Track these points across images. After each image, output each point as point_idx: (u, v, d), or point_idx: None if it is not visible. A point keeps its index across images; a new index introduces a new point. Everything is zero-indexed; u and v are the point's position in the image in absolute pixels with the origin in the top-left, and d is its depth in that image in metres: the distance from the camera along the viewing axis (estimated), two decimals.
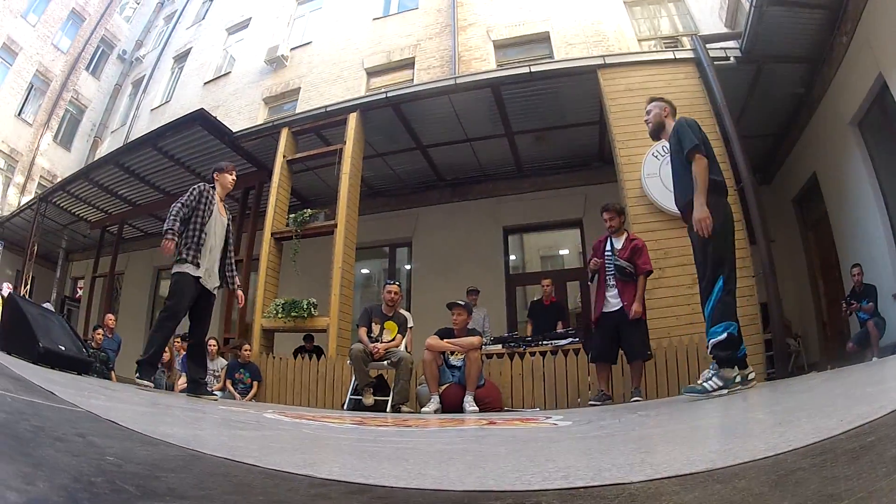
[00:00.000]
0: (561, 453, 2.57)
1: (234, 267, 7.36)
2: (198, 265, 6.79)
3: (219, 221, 7.09)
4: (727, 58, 10.85)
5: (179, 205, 6.81)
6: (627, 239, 7.84)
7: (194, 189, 7.03)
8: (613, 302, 7.63)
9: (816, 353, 13.21)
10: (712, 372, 5.00)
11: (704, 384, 4.97)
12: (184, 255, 6.75)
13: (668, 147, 5.85)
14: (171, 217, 6.71)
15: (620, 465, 1.90)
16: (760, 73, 11.32)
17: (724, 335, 4.98)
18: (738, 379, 5.02)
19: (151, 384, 6.65)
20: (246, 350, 10.59)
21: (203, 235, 6.88)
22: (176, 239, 6.71)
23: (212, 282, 7.01)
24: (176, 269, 6.79)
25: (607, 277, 7.72)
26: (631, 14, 17.42)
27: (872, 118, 10.32)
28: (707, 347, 5.15)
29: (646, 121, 6.04)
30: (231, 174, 7.35)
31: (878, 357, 9.03)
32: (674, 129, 5.66)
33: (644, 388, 7.96)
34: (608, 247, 7.81)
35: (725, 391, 4.88)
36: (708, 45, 10.81)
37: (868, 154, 10.55)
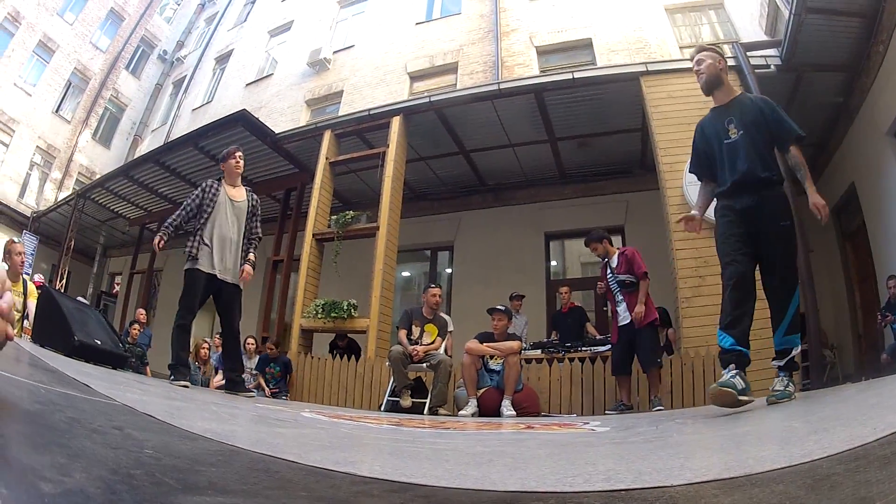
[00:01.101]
0: (600, 457, 2.56)
1: (249, 247, 7.25)
2: (206, 260, 6.83)
3: (230, 210, 7.11)
4: (767, 66, 10.81)
5: (182, 208, 7.05)
6: (620, 254, 8.14)
7: (198, 188, 7.17)
8: (623, 315, 7.91)
9: (851, 364, 13.12)
10: (787, 379, 4.70)
11: (788, 389, 4.66)
12: (191, 252, 6.82)
13: (735, 111, 4.97)
14: (169, 220, 7.01)
15: (660, 470, 1.93)
16: (800, 82, 11.26)
17: (800, 345, 4.88)
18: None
19: (188, 383, 6.63)
20: (269, 347, 10.81)
21: (209, 229, 6.93)
22: (165, 237, 7.00)
23: (230, 273, 6.99)
24: (186, 266, 6.85)
25: (615, 296, 8.01)
26: (672, 21, 17.36)
27: None
28: (785, 357, 4.72)
29: (697, 71, 5.25)
30: (234, 158, 7.33)
31: None
32: (764, 103, 4.99)
33: (669, 397, 8.11)
34: (608, 270, 8.17)
35: (796, 396, 4.75)
36: (749, 53, 10.75)
37: None
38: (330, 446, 2.74)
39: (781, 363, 4.71)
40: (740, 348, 4.52)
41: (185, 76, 26.98)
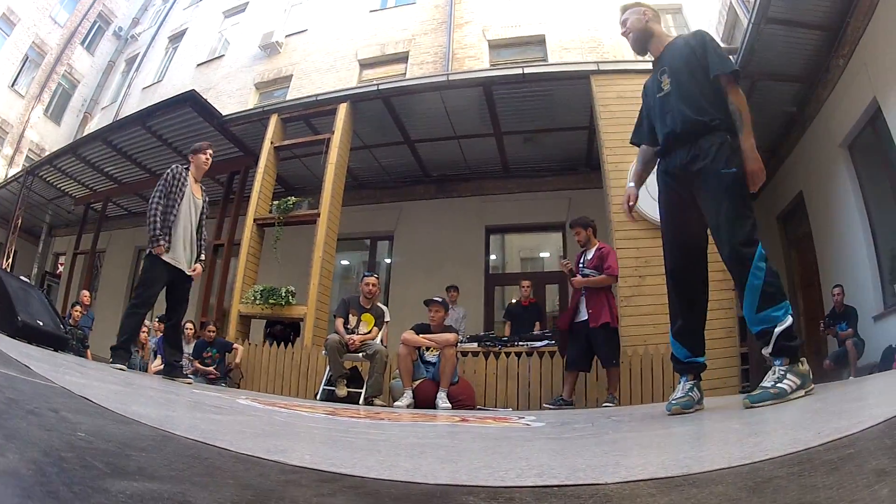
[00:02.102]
0: (534, 452, 2.55)
1: (202, 245, 7.27)
2: (169, 250, 6.78)
3: (192, 203, 7.09)
4: None
5: (156, 199, 6.82)
6: (598, 248, 8.10)
7: (167, 173, 7.02)
8: (581, 312, 7.89)
9: None
10: (783, 370, 3.71)
11: (779, 385, 3.63)
12: (160, 242, 6.75)
13: (666, 59, 4.43)
14: (153, 219, 6.75)
15: (595, 466, 1.90)
16: (754, 89, 11.35)
17: (790, 318, 3.80)
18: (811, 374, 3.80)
19: (125, 368, 6.55)
20: (210, 331, 10.58)
21: (174, 219, 6.87)
22: (165, 243, 6.76)
23: (186, 265, 6.98)
24: (149, 251, 6.80)
25: (581, 289, 7.96)
26: None
27: (864, 141, 10.43)
28: (770, 340, 3.78)
29: (623, 34, 4.72)
30: (205, 154, 7.27)
31: (854, 377, 9.10)
32: (694, 38, 4.35)
33: (618, 395, 8.05)
34: (581, 260, 8.13)
35: (802, 392, 3.67)
36: None
37: (857, 177, 10.65)
38: (262, 434, 2.76)
39: (769, 348, 3.77)
40: (694, 360, 4.16)
41: (139, 54, 26.61)
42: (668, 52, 4.45)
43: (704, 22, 16.00)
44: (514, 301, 12.10)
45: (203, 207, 7.28)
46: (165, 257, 6.73)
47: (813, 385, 3.81)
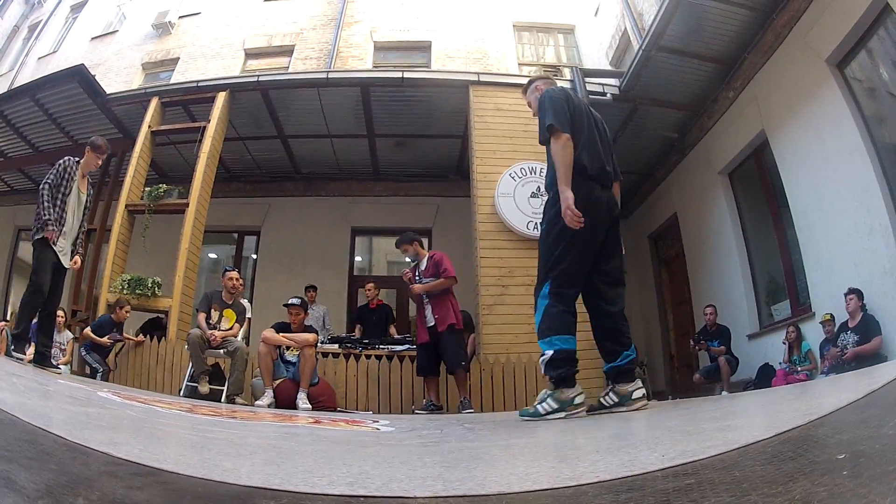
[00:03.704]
0: (362, 458, 2.53)
1: (79, 238, 7.31)
2: (61, 243, 6.90)
3: (77, 198, 7.13)
4: (604, 94, 11.24)
5: (48, 186, 6.89)
6: (429, 258, 8.28)
7: (59, 164, 7.05)
8: (429, 318, 8.02)
9: (662, 381, 13.67)
10: (547, 393, 4.41)
11: (538, 406, 4.40)
12: (53, 228, 6.80)
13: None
14: (46, 204, 6.83)
15: (413, 478, 1.88)
16: (635, 113, 11.73)
17: (550, 352, 4.36)
18: (576, 400, 4.34)
19: (24, 356, 6.82)
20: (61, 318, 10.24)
21: (62, 213, 6.94)
22: (56, 228, 6.83)
23: (66, 256, 7.06)
24: (39, 237, 6.82)
25: (422, 297, 8.09)
26: (518, 38, 17.80)
27: (746, 170, 11.05)
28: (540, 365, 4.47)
29: (534, 114, 4.93)
30: (100, 156, 7.35)
31: (727, 392, 9.51)
32: None
33: (476, 401, 8.31)
34: (416, 272, 8.30)
35: (562, 414, 4.29)
36: (587, 79, 11.13)
37: (735, 203, 11.16)
38: (105, 427, 2.75)
39: (552, 373, 4.39)
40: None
41: (41, 21, 25.40)
42: None
43: (595, 44, 16.37)
44: (362, 304, 12.13)
45: (87, 202, 7.34)
46: (55, 247, 6.82)
47: (578, 409, 4.35)
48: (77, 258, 7.24)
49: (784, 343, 9.48)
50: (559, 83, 10.48)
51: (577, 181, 4.39)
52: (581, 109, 4.76)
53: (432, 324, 7.98)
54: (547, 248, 4.54)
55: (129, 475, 1.51)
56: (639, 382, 4.53)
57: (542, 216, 4.79)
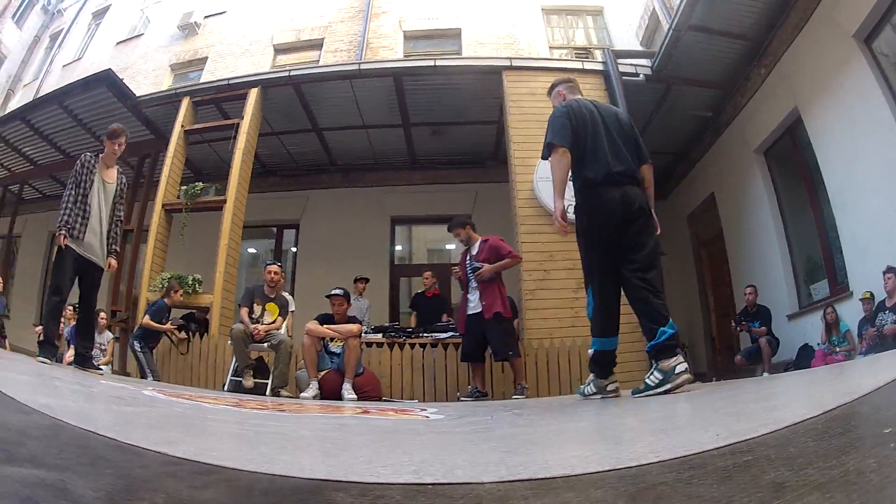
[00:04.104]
0: (420, 447, 2.54)
1: (117, 233, 7.17)
2: (77, 239, 6.72)
3: (103, 190, 6.97)
4: (637, 74, 11.09)
5: (67, 190, 6.82)
6: (483, 241, 8.14)
7: (77, 162, 6.95)
8: (473, 304, 7.92)
9: (704, 364, 13.56)
10: (590, 379, 5.02)
11: (584, 387, 5.04)
12: (62, 231, 6.65)
13: None
14: (64, 207, 6.72)
15: (476, 464, 1.89)
16: (668, 93, 11.59)
17: (591, 351, 4.97)
18: (609, 388, 4.86)
19: (46, 360, 6.46)
20: (102, 318, 10.56)
21: (85, 208, 6.78)
22: (63, 234, 6.66)
23: (96, 254, 6.91)
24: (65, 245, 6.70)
25: (469, 283, 8.03)
26: (547, 21, 17.65)
27: (780, 148, 10.83)
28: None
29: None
30: (116, 143, 7.09)
31: (768, 373, 9.39)
32: None
33: (513, 387, 8.09)
34: (468, 256, 8.19)
35: (598, 396, 4.88)
36: (619, 60, 11.01)
37: (772, 182, 10.99)
38: (155, 426, 2.75)
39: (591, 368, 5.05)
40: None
41: (63, 29, 25.62)
42: None
43: (624, 25, 16.22)
44: (418, 292, 12.10)
45: (117, 190, 7.17)
46: (73, 246, 6.68)
47: (611, 394, 4.90)
48: (112, 261, 7.14)
49: (822, 321, 9.36)
50: (588, 66, 10.46)
51: (582, 190, 4.91)
52: (585, 118, 4.97)
53: (478, 310, 7.87)
54: (580, 251, 5.06)
55: (190, 474, 1.49)
56: (680, 357, 4.56)
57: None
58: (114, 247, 7.10)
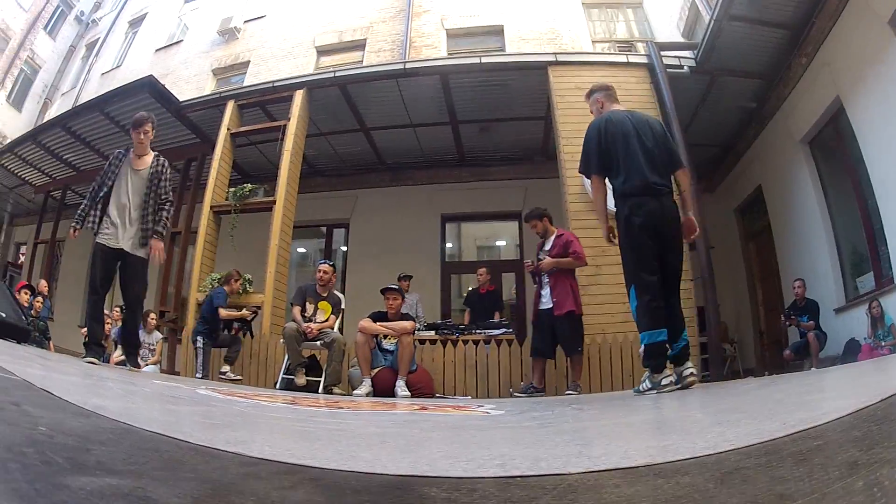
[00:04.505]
0: (494, 441, 2.52)
1: (161, 215, 6.93)
2: (106, 233, 6.64)
3: (132, 179, 6.80)
4: (681, 66, 11.03)
5: (93, 185, 6.85)
6: (557, 236, 8.07)
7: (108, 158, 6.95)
8: (545, 300, 7.87)
9: (752, 359, 13.44)
10: (645, 375, 5.16)
11: (641, 385, 5.17)
12: (93, 227, 6.64)
13: None
14: (85, 201, 6.81)
15: (557, 456, 1.89)
16: (713, 85, 11.48)
17: (642, 346, 5.14)
18: (663, 381, 4.97)
19: (93, 360, 6.34)
20: (152, 319, 10.76)
21: (109, 201, 6.73)
22: (78, 226, 6.75)
23: (130, 244, 6.71)
24: (95, 240, 6.69)
25: (542, 277, 7.96)
26: (588, 15, 17.55)
27: (824, 138, 10.64)
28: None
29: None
30: (137, 132, 6.92)
31: (816, 368, 9.20)
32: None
33: (566, 383, 8.18)
34: (542, 250, 8.12)
35: (654, 392, 4.95)
36: (662, 53, 10.91)
37: (817, 173, 10.83)
38: (221, 425, 2.71)
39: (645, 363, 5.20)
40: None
41: (99, 39, 26.02)
42: None
43: (665, 17, 16.09)
44: (472, 289, 12.10)
45: (150, 174, 6.91)
46: (99, 238, 6.62)
47: (665, 388, 4.97)
48: (156, 243, 6.79)
49: (867, 315, 9.23)
50: (632, 59, 10.42)
51: (621, 198, 5.23)
52: (617, 134, 5.31)
53: (549, 306, 7.82)
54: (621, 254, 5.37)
55: (273, 475, 1.47)
56: (689, 364, 5.13)
57: None
58: (156, 228, 6.84)
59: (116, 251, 6.62)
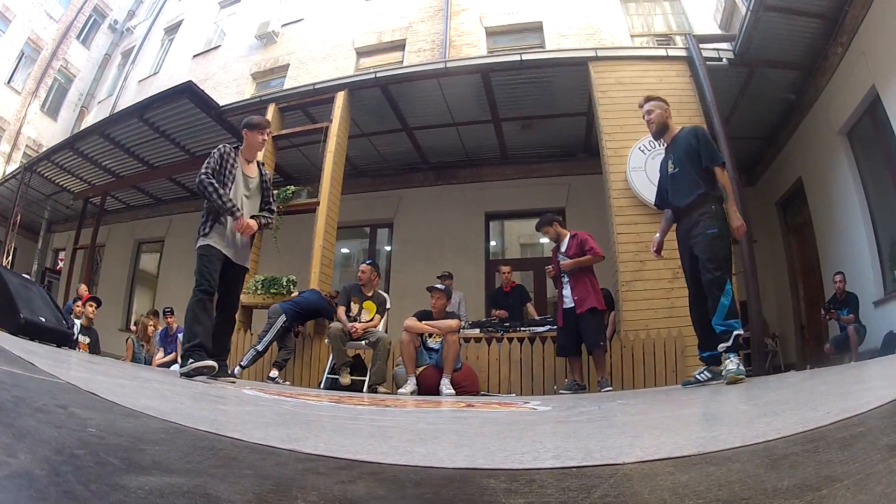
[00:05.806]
0: (547, 435, 2.61)
1: (267, 224, 6.45)
2: (222, 237, 6.01)
3: (244, 187, 6.22)
4: (720, 59, 10.97)
5: (205, 177, 5.90)
6: (571, 237, 8.12)
7: (214, 152, 6.12)
8: (567, 299, 7.91)
9: (793, 353, 13.34)
10: (702, 368, 5.65)
11: (741, 368, 5.26)
12: (205, 230, 5.96)
13: (673, 147, 5.99)
14: (214, 196, 5.88)
15: (610, 448, 1.93)
16: (752, 77, 11.39)
17: (740, 331, 5.36)
18: (724, 372, 5.33)
19: (209, 366, 5.64)
20: (169, 319, 11.10)
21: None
22: (239, 211, 6.00)
23: (239, 254, 6.22)
24: (200, 242, 5.96)
25: (562, 278, 8.01)
26: (625, 10, 17.45)
27: (862, 129, 10.46)
28: (729, 340, 5.31)
29: (648, 120, 6.12)
30: (262, 134, 6.38)
31: (856, 361, 9.10)
32: (692, 134, 5.85)
33: (617, 379, 8.18)
34: (558, 253, 8.19)
35: (744, 373, 5.20)
36: (701, 45, 10.86)
37: (856, 164, 10.69)
38: (273, 423, 2.74)
39: (729, 343, 5.26)
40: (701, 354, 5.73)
41: (134, 47, 26.33)
42: (673, 142, 5.99)
43: (702, 9, 15.99)
44: (496, 288, 12.11)
45: (261, 182, 6.44)
46: (218, 245, 5.95)
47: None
48: (250, 222, 6.08)
49: None
50: (672, 53, 10.47)
51: (718, 204, 5.67)
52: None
53: (571, 305, 7.85)
54: (720, 254, 5.52)
55: (332, 470, 1.50)
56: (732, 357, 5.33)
57: (706, 222, 5.60)
58: (265, 213, 6.40)
59: (225, 258, 6.04)
